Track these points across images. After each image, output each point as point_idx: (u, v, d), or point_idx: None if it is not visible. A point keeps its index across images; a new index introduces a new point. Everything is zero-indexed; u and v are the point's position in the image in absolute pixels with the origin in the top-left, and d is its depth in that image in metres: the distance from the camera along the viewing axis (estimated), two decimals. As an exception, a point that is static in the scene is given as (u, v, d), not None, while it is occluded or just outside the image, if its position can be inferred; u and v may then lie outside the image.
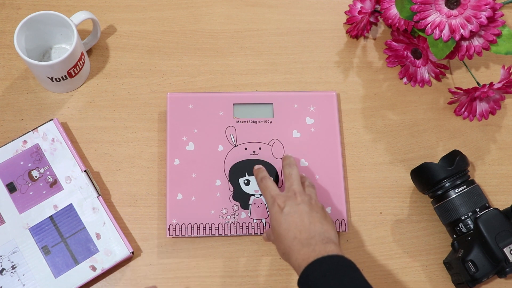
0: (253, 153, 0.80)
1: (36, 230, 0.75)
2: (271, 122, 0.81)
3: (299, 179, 0.71)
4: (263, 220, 0.77)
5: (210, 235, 0.76)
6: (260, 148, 0.80)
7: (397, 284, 0.77)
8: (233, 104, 0.82)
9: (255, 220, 0.77)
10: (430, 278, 0.78)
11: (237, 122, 0.81)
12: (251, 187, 0.78)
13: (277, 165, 0.79)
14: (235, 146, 0.80)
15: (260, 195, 0.78)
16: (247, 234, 0.76)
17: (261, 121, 0.81)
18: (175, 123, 0.80)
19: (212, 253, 0.77)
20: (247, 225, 0.77)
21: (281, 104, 0.82)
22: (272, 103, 0.82)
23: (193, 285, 0.76)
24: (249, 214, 0.77)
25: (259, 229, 0.76)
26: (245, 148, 0.80)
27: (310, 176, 0.79)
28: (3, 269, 0.73)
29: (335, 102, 0.83)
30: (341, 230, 0.77)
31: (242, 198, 0.78)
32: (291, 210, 0.66)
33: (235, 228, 0.76)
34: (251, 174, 0.78)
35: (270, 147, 0.80)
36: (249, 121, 0.81)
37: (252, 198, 0.78)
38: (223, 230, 0.76)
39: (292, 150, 0.80)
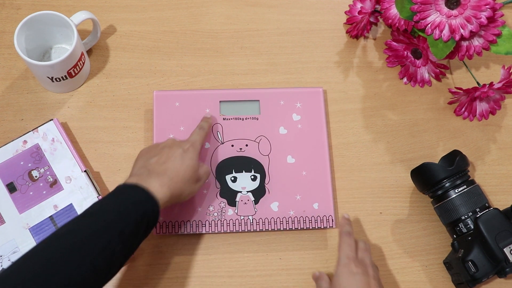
0: (240, 150, 0.80)
1: (36, 230, 0.75)
2: (257, 119, 0.81)
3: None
4: (250, 217, 0.77)
5: (197, 232, 0.76)
6: (246, 145, 0.80)
7: (397, 284, 0.77)
8: (220, 101, 0.82)
9: (242, 217, 0.77)
10: (430, 278, 0.78)
11: (224, 119, 0.81)
12: (238, 184, 0.78)
13: (264, 162, 0.79)
14: (222, 143, 0.80)
15: (247, 192, 0.78)
16: (234, 231, 0.76)
17: (248, 118, 0.81)
18: (161, 121, 0.80)
19: (212, 253, 0.77)
20: (234, 222, 0.77)
21: (268, 101, 0.82)
22: (258, 100, 0.82)
23: (193, 285, 0.76)
24: (236, 211, 0.77)
25: (246, 226, 0.76)
26: (232, 145, 0.80)
27: (297, 172, 0.79)
28: (3, 269, 0.73)
29: (322, 98, 0.83)
30: (328, 226, 0.77)
31: (229, 195, 0.78)
32: (363, 278, 0.67)
33: (222, 225, 0.76)
34: (237, 171, 0.79)
35: (257, 144, 0.80)
36: (236, 118, 0.81)
37: (239, 195, 0.78)
38: (210, 227, 0.76)
39: (279, 146, 0.80)
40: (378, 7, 0.85)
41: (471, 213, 0.73)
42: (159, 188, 0.65)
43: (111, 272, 0.60)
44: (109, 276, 0.60)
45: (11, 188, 0.76)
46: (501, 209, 0.73)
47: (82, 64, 0.81)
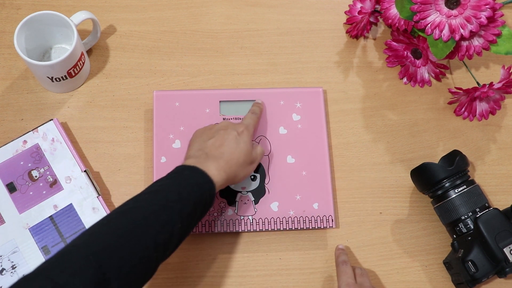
0: None
1: (36, 230, 0.75)
2: None
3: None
4: (250, 217, 0.77)
5: (197, 232, 0.76)
6: None
7: (397, 284, 0.77)
8: (220, 101, 0.82)
9: (241, 217, 0.77)
10: (430, 278, 0.78)
11: (224, 119, 0.81)
12: (238, 184, 0.78)
13: (264, 162, 0.79)
14: None
15: (247, 192, 0.78)
16: (234, 231, 0.76)
17: None
18: (161, 121, 0.80)
19: (212, 253, 0.77)
20: (234, 222, 0.77)
21: (268, 100, 0.82)
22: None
23: (193, 285, 0.76)
24: (235, 211, 0.77)
25: (246, 226, 0.77)
26: None
27: (297, 172, 0.79)
28: (3, 269, 0.73)
29: (322, 98, 0.83)
30: (328, 226, 0.77)
31: (228, 195, 0.78)
32: None
33: (221, 225, 0.76)
34: None
35: (257, 144, 0.80)
36: (236, 118, 0.81)
37: (238, 195, 0.78)
38: (209, 227, 0.76)
39: (279, 146, 0.80)
40: (378, 7, 0.85)
41: (471, 213, 0.73)
42: (215, 171, 0.66)
43: (168, 250, 0.61)
44: (166, 254, 0.61)
45: (11, 188, 0.76)
46: (501, 209, 0.73)
47: (82, 64, 0.81)
